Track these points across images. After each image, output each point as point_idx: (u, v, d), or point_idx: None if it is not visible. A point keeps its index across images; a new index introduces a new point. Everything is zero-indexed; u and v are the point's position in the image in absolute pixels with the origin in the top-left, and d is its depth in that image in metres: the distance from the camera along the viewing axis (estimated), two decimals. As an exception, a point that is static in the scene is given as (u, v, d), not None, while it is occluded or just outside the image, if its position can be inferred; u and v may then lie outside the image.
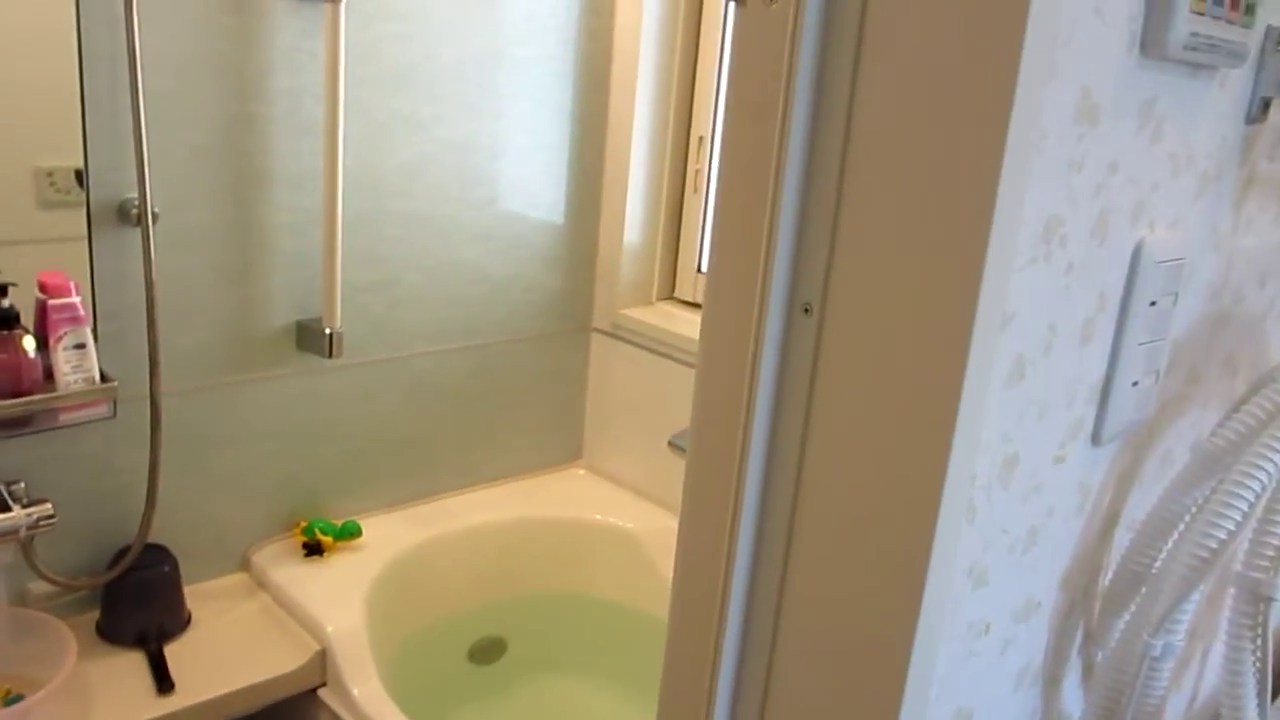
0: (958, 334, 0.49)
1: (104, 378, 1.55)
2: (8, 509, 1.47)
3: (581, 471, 2.28)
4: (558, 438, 2.26)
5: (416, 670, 1.90)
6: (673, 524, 2.13)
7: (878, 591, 0.55)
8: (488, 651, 2.08)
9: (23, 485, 1.55)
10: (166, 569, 1.65)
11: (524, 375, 2.16)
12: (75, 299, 1.52)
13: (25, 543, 1.53)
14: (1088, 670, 0.70)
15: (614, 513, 2.11)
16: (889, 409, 0.52)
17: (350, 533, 1.87)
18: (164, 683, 1.53)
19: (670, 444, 2.01)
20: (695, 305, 2.19)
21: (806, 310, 0.55)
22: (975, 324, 0.49)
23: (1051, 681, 0.68)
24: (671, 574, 2.00)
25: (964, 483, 0.52)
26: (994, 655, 0.60)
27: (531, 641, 2.11)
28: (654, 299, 2.22)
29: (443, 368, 2.03)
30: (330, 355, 1.78)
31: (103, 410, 1.57)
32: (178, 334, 1.68)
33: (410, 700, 1.80)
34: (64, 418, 1.55)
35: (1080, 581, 0.67)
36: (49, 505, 1.50)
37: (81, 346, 1.53)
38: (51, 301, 1.51)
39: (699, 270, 2.19)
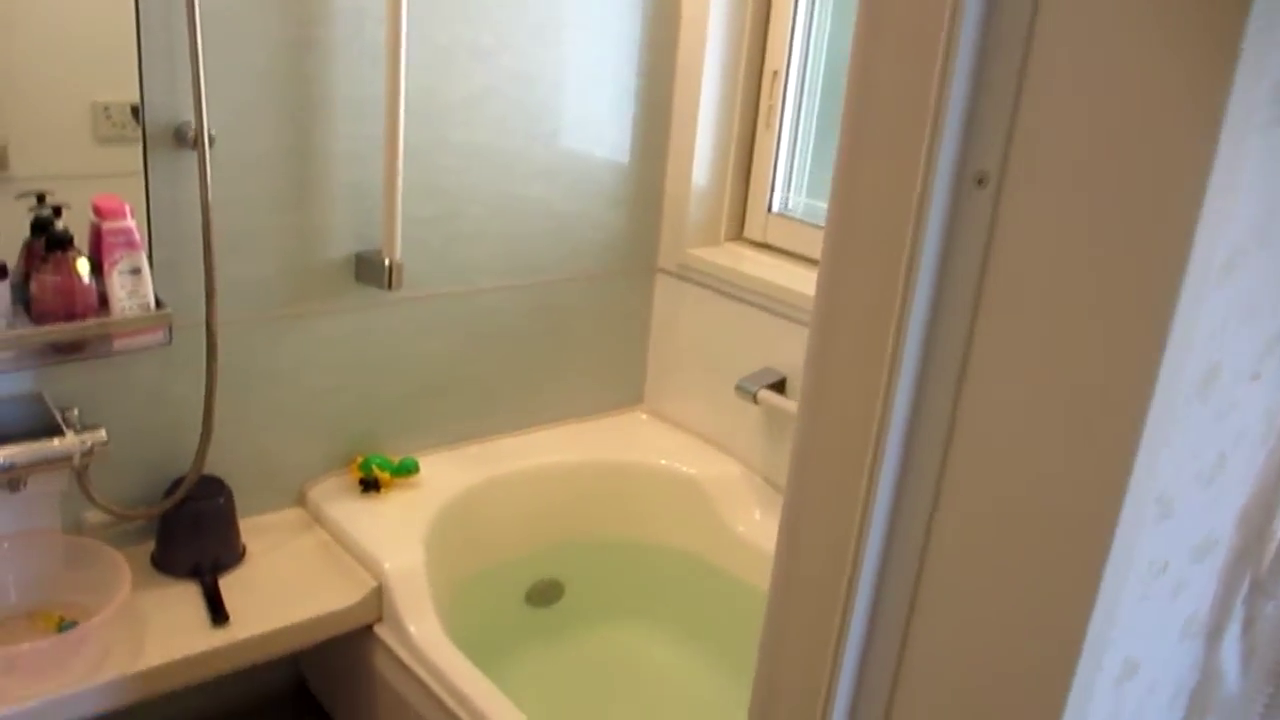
0: (1187, 204, 0.41)
1: (159, 304, 1.50)
2: (61, 434, 1.44)
3: (644, 415, 2.22)
4: (620, 380, 2.20)
5: (473, 611, 1.85)
6: (737, 470, 2.07)
7: (1061, 517, 0.47)
8: (545, 594, 2.03)
9: (76, 412, 1.51)
10: (221, 501, 1.61)
11: (586, 315, 2.09)
12: (130, 222, 1.47)
13: (80, 470, 1.50)
14: (1249, 623, 0.62)
15: (677, 458, 2.04)
16: (1088, 297, 0.44)
17: (408, 470, 1.82)
18: (219, 614, 1.50)
19: (738, 388, 1.94)
20: (765, 246, 2.10)
21: (980, 181, 0.46)
22: (1208, 192, 0.40)
23: (1215, 633, 0.60)
24: (736, 521, 1.94)
25: (1173, 389, 0.44)
26: (1166, 599, 0.52)
27: (590, 586, 2.06)
28: (722, 239, 2.13)
29: (504, 305, 1.96)
30: (390, 287, 1.71)
31: (158, 337, 1.53)
32: (234, 263, 1.62)
33: (466, 641, 1.76)
34: (119, 344, 1.50)
35: (1256, 521, 0.59)
36: (103, 432, 1.46)
37: (137, 272, 1.48)
38: (106, 225, 1.46)
39: (770, 210, 2.10)
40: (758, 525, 1.93)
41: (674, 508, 2.02)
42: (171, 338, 1.53)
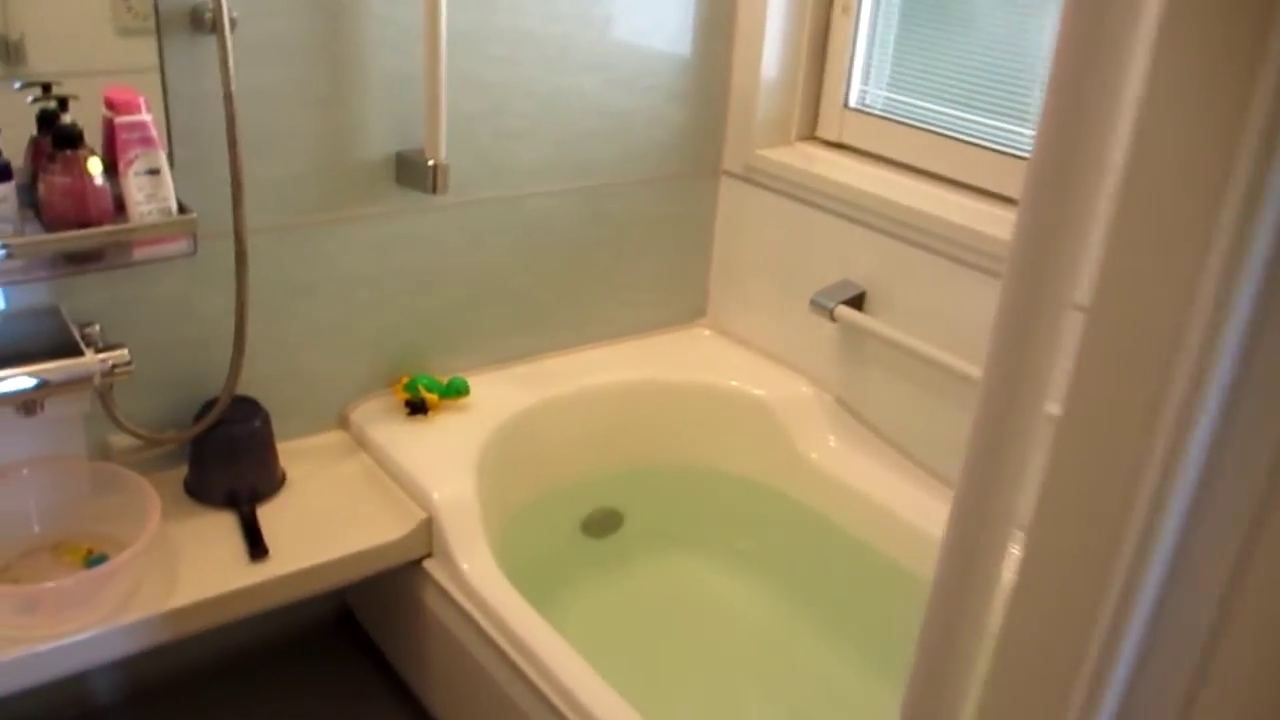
0: None
1: (182, 209, 1.36)
2: (80, 353, 1.31)
3: (707, 332, 2.06)
4: (680, 293, 2.04)
5: (526, 542, 1.73)
6: (809, 392, 1.91)
7: None
8: (603, 524, 1.91)
9: (97, 328, 1.38)
10: (258, 424, 1.49)
11: (644, 221, 1.93)
12: (146, 116, 1.32)
13: (103, 391, 1.38)
14: None
15: (743, 378, 1.89)
16: None
17: (457, 390, 1.69)
18: (257, 547, 1.39)
19: (813, 304, 1.77)
20: (840, 146, 1.91)
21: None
22: None
23: None
24: (809, 448, 1.79)
25: None
26: None
27: (649, 515, 1.94)
28: (793, 139, 1.95)
29: (556, 210, 1.80)
30: (434, 190, 1.56)
31: (183, 246, 1.39)
32: (262, 164, 1.47)
33: (519, 573, 1.64)
34: (139, 253, 1.37)
35: None
36: (125, 350, 1.33)
37: (155, 172, 1.33)
38: (120, 120, 1.31)
39: (846, 105, 1.90)
40: (831, 451, 1.78)
41: (740, 432, 1.87)
42: (197, 247, 1.39)
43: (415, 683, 1.67)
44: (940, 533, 0.49)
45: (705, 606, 1.86)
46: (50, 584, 1.24)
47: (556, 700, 1.27)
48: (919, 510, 1.64)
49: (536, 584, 1.76)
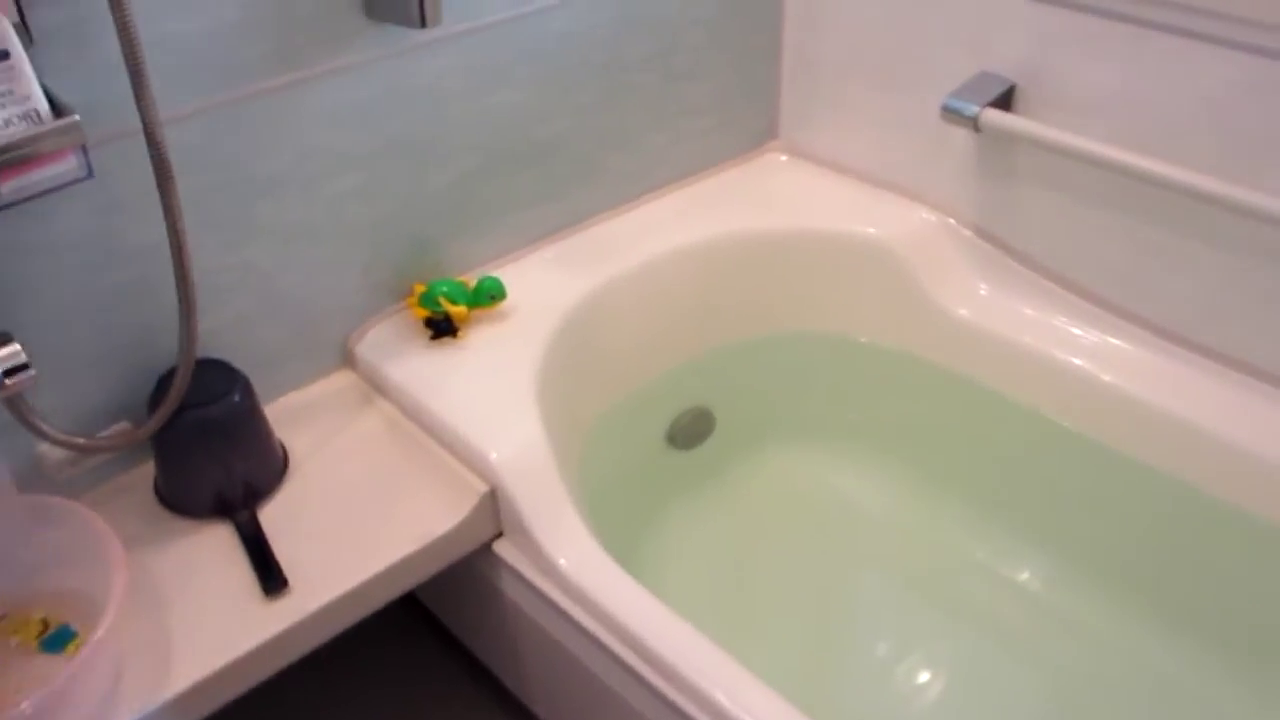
0: None
1: (57, 110, 0.88)
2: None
3: (782, 157, 1.60)
4: (740, 108, 1.56)
5: (599, 470, 1.35)
6: (933, 220, 1.48)
7: None
8: (692, 429, 1.52)
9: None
10: (237, 398, 1.06)
11: (693, 21, 1.44)
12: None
13: (12, 397, 0.95)
14: None
15: (844, 214, 1.46)
16: None
17: (490, 295, 1.25)
18: (271, 578, 1.00)
19: (947, 110, 1.31)
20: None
21: None
22: None
23: None
24: (952, 300, 1.37)
25: None
26: None
27: (748, 408, 1.54)
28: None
29: (580, 24, 1.31)
30: (423, 22, 1.07)
31: (69, 165, 0.92)
32: (171, 15, 0.98)
33: (596, 512, 1.27)
34: (7, 188, 0.90)
35: None
36: (17, 348, 0.90)
37: (3, 57, 0.86)
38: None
39: None
40: (984, 302, 1.37)
41: (853, 284, 1.46)
42: (89, 162, 0.92)
43: (500, 671, 1.33)
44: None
45: (834, 512, 1.50)
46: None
47: (686, 705, 0.92)
48: (1116, 367, 1.25)
49: (620, 522, 1.39)
